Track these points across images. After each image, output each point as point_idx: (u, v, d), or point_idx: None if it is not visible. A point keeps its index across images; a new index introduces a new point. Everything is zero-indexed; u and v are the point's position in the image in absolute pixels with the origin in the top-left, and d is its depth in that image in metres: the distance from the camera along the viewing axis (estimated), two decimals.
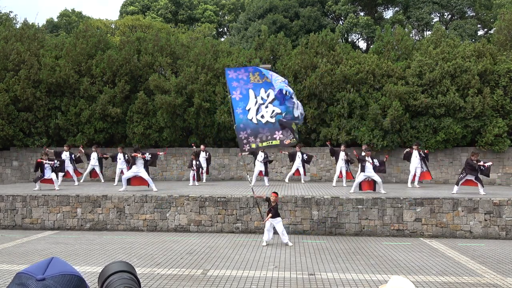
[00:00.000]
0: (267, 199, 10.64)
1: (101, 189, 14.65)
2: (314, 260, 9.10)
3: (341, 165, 15.71)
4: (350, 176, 15.90)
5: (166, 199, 12.60)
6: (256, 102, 10.03)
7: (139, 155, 13.94)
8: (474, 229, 11.82)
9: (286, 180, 17.37)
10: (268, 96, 10.03)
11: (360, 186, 13.59)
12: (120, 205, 12.75)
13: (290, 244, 10.48)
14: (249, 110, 10.01)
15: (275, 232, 10.59)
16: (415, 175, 15.55)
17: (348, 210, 12.09)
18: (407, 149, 15.77)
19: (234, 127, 10.11)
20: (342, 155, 15.62)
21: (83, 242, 10.95)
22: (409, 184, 15.60)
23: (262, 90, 10.09)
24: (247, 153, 13.81)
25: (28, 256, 9.48)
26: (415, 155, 15.34)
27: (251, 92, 10.10)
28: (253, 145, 10.11)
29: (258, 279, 7.73)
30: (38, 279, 1.04)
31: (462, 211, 11.88)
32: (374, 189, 13.42)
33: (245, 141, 10.02)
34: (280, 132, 9.94)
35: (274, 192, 10.61)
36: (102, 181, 17.82)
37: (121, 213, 12.75)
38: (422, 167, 15.53)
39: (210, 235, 11.89)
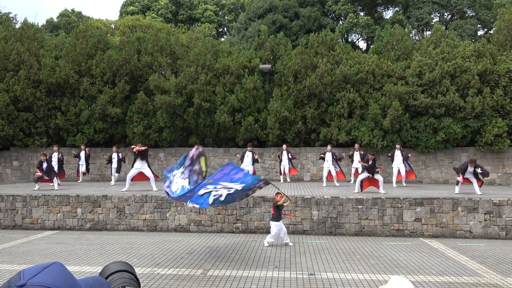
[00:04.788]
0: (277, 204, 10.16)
1: (101, 189, 14.64)
2: (314, 260, 9.10)
3: (328, 165, 15.83)
4: (341, 176, 16.23)
5: (166, 199, 12.60)
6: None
7: (138, 148, 14.04)
8: (474, 229, 11.82)
9: (282, 180, 17.48)
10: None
11: (362, 185, 13.54)
12: (120, 205, 12.75)
13: (290, 244, 10.47)
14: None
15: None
16: (399, 174, 15.89)
17: (348, 210, 12.08)
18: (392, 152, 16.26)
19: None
20: (328, 155, 15.85)
21: (83, 242, 10.94)
22: (394, 184, 15.73)
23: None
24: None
25: (28, 256, 9.47)
26: (396, 154, 15.75)
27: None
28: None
29: (258, 279, 7.73)
30: (18, 285, 1.01)
31: (462, 211, 11.88)
32: (378, 187, 13.42)
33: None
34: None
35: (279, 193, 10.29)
36: (80, 180, 18.12)
37: (121, 213, 12.75)
38: (405, 167, 15.87)
39: (210, 235, 11.89)
